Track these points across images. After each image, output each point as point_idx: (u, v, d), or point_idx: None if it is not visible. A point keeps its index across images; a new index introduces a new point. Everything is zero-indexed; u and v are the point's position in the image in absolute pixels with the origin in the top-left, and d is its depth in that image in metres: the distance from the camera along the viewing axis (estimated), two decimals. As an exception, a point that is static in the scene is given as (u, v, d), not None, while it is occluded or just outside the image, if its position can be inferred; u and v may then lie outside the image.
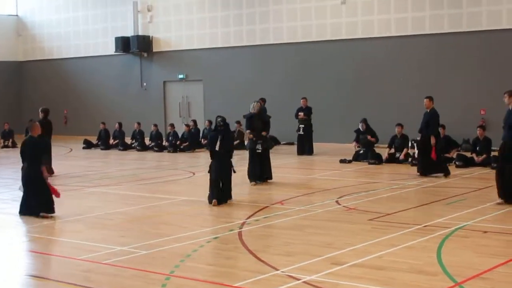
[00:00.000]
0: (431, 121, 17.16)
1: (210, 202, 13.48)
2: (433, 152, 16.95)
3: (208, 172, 13.85)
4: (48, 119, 19.32)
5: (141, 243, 10.14)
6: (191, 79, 31.23)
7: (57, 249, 9.95)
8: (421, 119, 23.49)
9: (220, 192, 13.64)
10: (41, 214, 12.47)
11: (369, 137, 21.19)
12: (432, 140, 16.96)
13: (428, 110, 17.35)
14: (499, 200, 12.73)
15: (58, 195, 12.86)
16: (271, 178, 16.80)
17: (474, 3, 23.80)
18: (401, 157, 20.19)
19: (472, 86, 23.58)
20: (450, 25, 24.36)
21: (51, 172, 18.94)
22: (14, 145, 29.16)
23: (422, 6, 24.86)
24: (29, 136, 12.95)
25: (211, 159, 13.97)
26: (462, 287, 7.58)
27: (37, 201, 12.57)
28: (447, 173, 17.05)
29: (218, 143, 13.82)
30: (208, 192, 13.67)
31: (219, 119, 14.12)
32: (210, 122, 27.30)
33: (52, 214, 12.58)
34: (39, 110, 19.51)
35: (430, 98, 17.46)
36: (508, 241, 9.85)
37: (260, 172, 16.60)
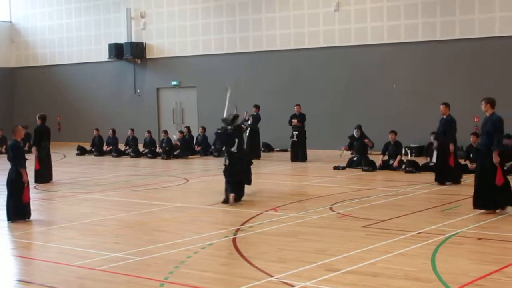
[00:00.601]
0: (448, 127, 16.94)
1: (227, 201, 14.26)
2: (451, 159, 16.77)
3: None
4: (45, 125, 19.31)
5: (135, 249, 10.13)
6: (185, 86, 31.25)
7: (50, 256, 9.91)
8: (414, 126, 23.64)
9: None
10: (17, 220, 12.67)
11: (366, 140, 21.20)
12: (451, 147, 16.76)
13: (445, 117, 17.10)
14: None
15: (26, 200, 12.86)
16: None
17: (467, 11, 23.90)
18: (395, 164, 20.22)
19: (465, 94, 23.65)
20: (443, 32, 24.45)
21: (49, 178, 18.95)
22: (7, 152, 29.04)
23: (414, 13, 24.96)
24: (13, 140, 13.10)
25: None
26: (457, 293, 7.60)
27: (14, 204, 12.68)
28: (457, 181, 16.89)
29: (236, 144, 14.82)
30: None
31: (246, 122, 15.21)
32: (204, 129, 27.34)
33: (28, 219, 12.84)
34: (37, 117, 19.53)
35: (447, 105, 17.18)
36: (502, 248, 9.86)
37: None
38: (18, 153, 12.95)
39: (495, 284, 7.98)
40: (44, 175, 18.88)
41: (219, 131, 15.44)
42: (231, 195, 14.13)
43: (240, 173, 14.77)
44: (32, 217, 12.97)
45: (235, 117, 15.59)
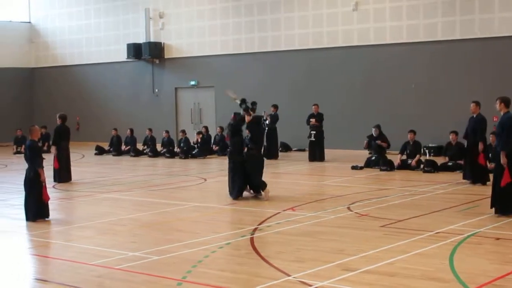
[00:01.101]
0: (478, 127, 16.64)
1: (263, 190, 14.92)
2: (481, 158, 16.45)
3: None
4: (65, 125, 19.46)
5: (152, 248, 10.17)
6: (203, 86, 31.30)
7: (69, 255, 9.98)
8: (433, 125, 23.50)
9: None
10: (37, 219, 12.75)
11: (379, 142, 21.15)
12: (480, 146, 16.46)
13: (475, 116, 16.82)
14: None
15: (46, 199, 12.94)
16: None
17: (486, 10, 23.76)
18: (413, 163, 20.14)
19: (484, 93, 23.48)
20: (462, 31, 24.32)
21: (68, 178, 19.02)
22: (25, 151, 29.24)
23: (434, 12, 24.84)
24: (30, 140, 13.16)
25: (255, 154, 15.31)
26: (475, 293, 7.57)
27: (33, 204, 12.75)
28: (483, 183, 16.49)
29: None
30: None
31: (264, 116, 15.53)
32: (222, 129, 27.37)
33: (47, 218, 12.91)
34: (57, 116, 19.64)
35: (477, 103, 16.88)
36: (521, 248, 9.82)
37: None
38: (35, 153, 13.03)
39: (513, 284, 7.95)
40: (63, 175, 18.98)
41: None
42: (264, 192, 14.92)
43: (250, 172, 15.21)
44: (50, 217, 13.05)
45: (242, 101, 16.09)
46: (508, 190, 12.23)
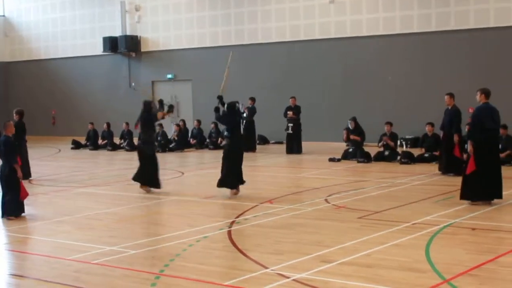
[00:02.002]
0: (454, 118, 16.81)
1: (234, 187, 14.27)
2: (457, 150, 16.56)
3: (228, 154, 14.37)
4: (22, 121, 18.48)
5: (130, 242, 10.13)
6: (180, 79, 31.21)
7: (46, 250, 9.91)
8: (410, 117, 23.69)
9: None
10: (8, 217, 12.53)
11: (351, 136, 21.22)
12: (456, 138, 16.60)
13: (450, 107, 17.00)
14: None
15: (24, 197, 12.82)
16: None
17: (462, 2, 23.91)
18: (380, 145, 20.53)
19: (461, 85, 23.66)
20: (438, 23, 24.45)
21: (28, 175, 18.46)
22: None
23: (410, 4, 24.95)
24: (4, 136, 12.98)
25: (232, 143, 14.41)
26: (451, 284, 7.61)
27: (11, 200, 12.62)
28: (460, 173, 16.75)
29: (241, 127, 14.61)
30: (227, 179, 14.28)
31: (238, 104, 14.87)
32: (199, 122, 27.33)
33: (22, 214, 12.77)
34: (14, 112, 18.94)
35: (451, 95, 17.08)
36: (496, 238, 9.90)
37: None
38: (10, 149, 12.86)
39: (489, 273, 8.01)
40: (25, 171, 18.24)
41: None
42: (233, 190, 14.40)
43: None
44: (26, 212, 12.95)
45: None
46: (473, 177, 12.51)
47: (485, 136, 12.60)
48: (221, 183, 14.35)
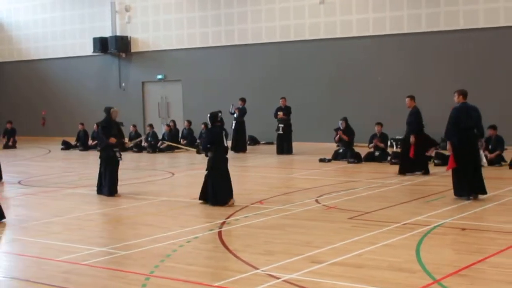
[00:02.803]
0: (413, 120, 17.17)
1: (226, 203, 13.17)
2: (411, 151, 16.97)
3: (212, 170, 13.38)
4: None
5: (120, 243, 10.10)
6: (170, 80, 31.17)
7: (34, 251, 9.86)
8: (399, 117, 23.74)
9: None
10: None
11: (340, 133, 21.23)
12: (412, 139, 17.00)
13: (410, 109, 17.41)
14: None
15: None
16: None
17: (451, 3, 23.98)
18: (371, 146, 20.60)
19: (450, 85, 23.69)
20: (428, 24, 24.51)
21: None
22: (-9, 147, 28.94)
23: (400, 5, 25.01)
24: None
25: (216, 155, 13.39)
26: (441, 284, 7.62)
27: None
28: (426, 172, 17.20)
29: (224, 138, 13.67)
30: (216, 192, 13.29)
31: (220, 114, 13.73)
32: (190, 123, 27.29)
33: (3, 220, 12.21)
34: None
35: (412, 97, 17.53)
36: (486, 238, 9.92)
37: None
38: None
39: (478, 273, 8.02)
40: None
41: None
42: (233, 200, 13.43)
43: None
44: (16, 212, 12.91)
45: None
46: (455, 174, 13.26)
47: (462, 135, 13.11)
48: (215, 201, 13.27)
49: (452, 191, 13.56)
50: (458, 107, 13.35)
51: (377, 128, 20.89)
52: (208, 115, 13.84)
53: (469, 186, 13.12)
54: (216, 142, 13.48)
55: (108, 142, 15.45)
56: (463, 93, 13.53)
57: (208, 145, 13.49)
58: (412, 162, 17.15)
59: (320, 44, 26.85)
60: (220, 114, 13.77)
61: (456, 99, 13.49)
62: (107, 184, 15.03)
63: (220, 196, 13.29)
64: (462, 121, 13.14)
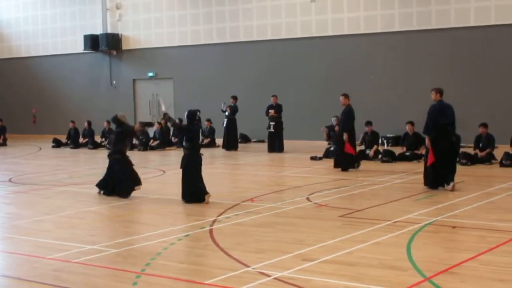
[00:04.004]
0: (346, 118, 17.84)
1: (203, 200, 13.24)
2: (347, 147, 17.72)
3: (187, 168, 13.42)
4: None
5: (111, 241, 10.08)
6: (161, 77, 31.13)
7: (26, 249, 9.84)
8: (391, 116, 23.86)
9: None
10: None
11: (337, 128, 21.25)
12: (345, 136, 17.70)
13: (344, 107, 18.07)
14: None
15: None
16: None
17: (443, 1, 24.03)
18: (371, 153, 20.31)
19: (441, 83, 23.68)
20: (419, 22, 24.56)
21: None
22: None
23: (391, 4, 25.05)
24: None
25: (193, 153, 13.42)
26: (432, 282, 7.64)
27: None
28: (358, 165, 18.16)
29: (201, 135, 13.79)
30: (192, 189, 13.33)
31: (199, 113, 13.93)
32: (181, 120, 27.24)
33: None
34: None
35: (346, 96, 18.20)
36: (476, 236, 9.95)
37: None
38: None
39: (469, 271, 8.05)
40: None
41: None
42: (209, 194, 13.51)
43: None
44: (7, 211, 12.87)
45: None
46: (434, 167, 14.11)
47: (439, 131, 13.99)
48: (190, 198, 13.35)
49: (443, 189, 13.61)
50: (435, 105, 14.20)
51: (367, 128, 20.94)
52: (186, 112, 13.79)
53: (443, 177, 14.07)
54: (194, 140, 13.63)
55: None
56: (440, 91, 14.34)
57: (185, 143, 13.55)
58: (347, 158, 17.88)
59: (312, 42, 26.86)
60: (198, 114, 13.93)
61: (434, 97, 14.31)
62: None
63: (199, 194, 13.34)
64: (440, 117, 14.03)
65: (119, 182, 14.47)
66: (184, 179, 13.54)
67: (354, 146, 18.01)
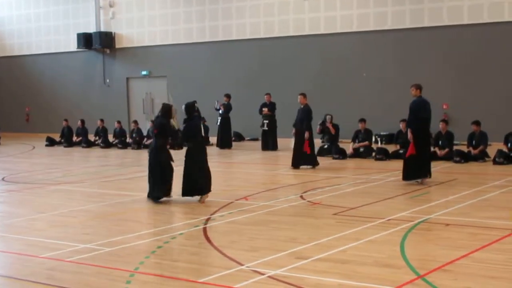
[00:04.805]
0: (306, 117, 18.28)
1: (202, 194, 13.11)
2: (306, 146, 18.08)
3: (191, 163, 13.16)
4: None
5: (105, 240, 10.06)
6: (155, 75, 31.09)
7: (18, 247, 9.81)
8: (384, 114, 23.88)
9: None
10: None
11: (330, 125, 21.29)
12: (306, 135, 18.07)
13: (302, 106, 18.47)
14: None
15: None
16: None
17: (435, -1, 24.07)
18: (358, 145, 20.57)
19: (434, 81, 23.81)
20: (412, 20, 24.58)
21: None
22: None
23: (384, 2, 25.06)
24: None
25: (193, 149, 13.12)
26: (425, 279, 7.65)
27: None
28: (315, 165, 18.28)
29: (202, 129, 13.49)
30: (193, 185, 13.12)
31: (196, 104, 13.37)
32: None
33: None
34: None
35: (304, 95, 18.67)
36: (470, 234, 9.97)
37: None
38: None
39: (462, 269, 8.06)
40: None
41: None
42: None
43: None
44: (0, 209, 12.82)
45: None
46: (411, 160, 14.73)
47: (418, 125, 14.70)
48: (191, 191, 13.18)
49: (436, 187, 13.62)
50: (416, 100, 14.91)
51: (361, 125, 20.95)
52: (183, 106, 13.39)
53: (422, 170, 14.75)
54: (195, 135, 13.24)
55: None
56: (420, 87, 15.03)
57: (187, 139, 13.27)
58: (304, 156, 18.21)
59: (305, 40, 26.86)
60: (196, 104, 13.47)
61: (414, 92, 15.01)
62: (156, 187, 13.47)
63: (201, 188, 13.17)
64: (420, 112, 14.75)
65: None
66: (186, 174, 13.19)
67: (311, 146, 18.40)
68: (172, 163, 13.45)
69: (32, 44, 34.73)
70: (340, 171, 17.87)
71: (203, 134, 13.58)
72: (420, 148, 14.72)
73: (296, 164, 18.27)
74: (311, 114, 18.47)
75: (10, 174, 18.74)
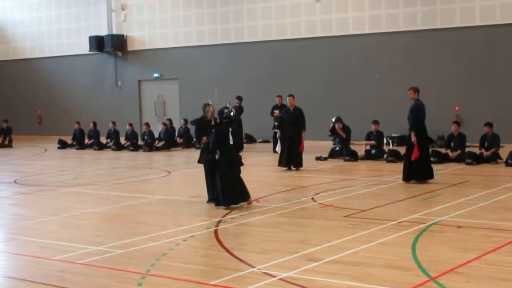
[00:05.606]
0: (300, 117, 18.69)
1: (236, 203, 12.77)
2: (302, 146, 18.47)
3: (222, 169, 12.81)
4: None
5: (116, 242, 10.08)
6: (166, 78, 31.15)
7: (30, 250, 9.85)
8: (396, 115, 23.83)
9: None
10: None
11: (339, 129, 21.30)
12: (303, 135, 18.60)
13: (292, 108, 19.01)
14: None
15: None
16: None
17: (448, 0, 23.98)
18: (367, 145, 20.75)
19: (447, 83, 23.77)
20: (424, 22, 24.52)
21: None
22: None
23: (395, 3, 25.01)
24: None
25: (214, 156, 12.76)
26: (437, 282, 7.62)
27: None
28: (299, 167, 18.53)
29: (230, 136, 13.10)
30: (222, 194, 12.69)
31: (226, 110, 13.01)
32: (186, 121, 27.26)
33: None
34: None
35: (293, 96, 19.17)
36: (482, 236, 9.92)
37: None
38: None
39: (474, 271, 8.02)
40: None
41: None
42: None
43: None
44: (12, 211, 12.88)
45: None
46: (418, 162, 14.92)
47: (420, 127, 15.03)
48: (228, 200, 12.75)
49: (448, 189, 13.56)
50: (416, 103, 15.21)
51: (373, 127, 20.90)
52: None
53: (428, 171, 15.07)
54: (221, 141, 12.84)
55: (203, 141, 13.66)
56: (417, 90, 15.31)
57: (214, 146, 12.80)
58: (298, 156, 18.49)
59: (316, 42, 26.84)
60: (226, 110, 13.08)
61: (412, 95, 15.29)
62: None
63: (234, 195, 12.82)
64: (419, 115, 15.08)
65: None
66: (218, 181, 12.82)
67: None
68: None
69: (44, 47, 34.87)
70: (351, 173, 17.84)
71: (231, 141, 13.08)
72: (423, 149, 15.05)
73: (289, 165, 18.62)
74: (303, 115, 18.93)
75: (22, 176, 18.82)
